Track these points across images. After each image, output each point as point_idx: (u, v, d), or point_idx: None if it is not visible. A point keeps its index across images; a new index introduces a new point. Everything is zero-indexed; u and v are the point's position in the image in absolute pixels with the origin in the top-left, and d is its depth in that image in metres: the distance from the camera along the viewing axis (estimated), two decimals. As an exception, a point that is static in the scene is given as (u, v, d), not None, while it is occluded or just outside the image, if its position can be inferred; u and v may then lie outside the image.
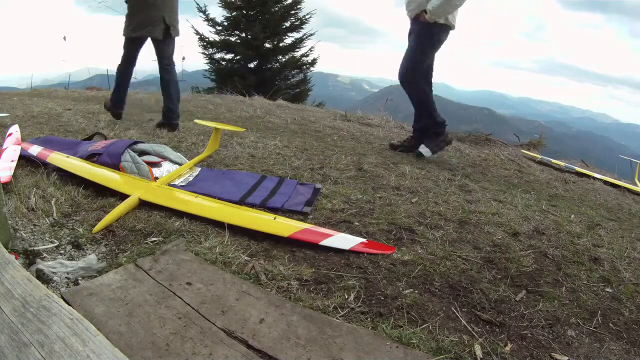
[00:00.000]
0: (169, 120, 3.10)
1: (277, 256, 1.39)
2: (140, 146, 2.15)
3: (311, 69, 11.22)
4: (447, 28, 2.87)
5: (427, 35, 2.87)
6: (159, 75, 3.16)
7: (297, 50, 11.02)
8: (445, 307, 1.21)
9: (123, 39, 3.03)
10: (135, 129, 3.04)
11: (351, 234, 1.58)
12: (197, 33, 10.76)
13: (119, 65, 3.15)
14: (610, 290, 1.41)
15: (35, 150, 2.10)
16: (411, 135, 3.26)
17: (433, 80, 3.09)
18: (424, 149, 3.04)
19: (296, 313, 1.09)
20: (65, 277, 1.16)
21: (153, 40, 3.01)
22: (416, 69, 2.95)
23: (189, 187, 1.93)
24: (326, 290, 1.23)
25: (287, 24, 10.78)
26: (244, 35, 10.54)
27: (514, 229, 1.81)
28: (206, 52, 10.89)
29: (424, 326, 1.10)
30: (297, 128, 3.76)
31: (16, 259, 1.11)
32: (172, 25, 2.99)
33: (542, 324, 1.17)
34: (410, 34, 2.97)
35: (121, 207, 1.56)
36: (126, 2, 2.96)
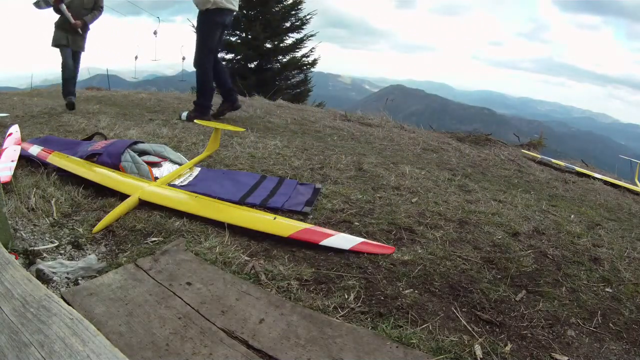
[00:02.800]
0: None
1: (277, 256, 1.39)
2: (140, 146, 2.16)
3: (312, 69, 11.21)
4: (221, 11, 3.37)
5: (203, 22, 3.43)
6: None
7: (297, 50, 11.02)
8: (445, 307, 1.21)
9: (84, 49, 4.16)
10: (135, 129, 3.05)
11: (351, 234, 1.58)
12: (198, 33, 10.76)
13: (70, 62, 4.07)
14: (610, 290, 1.41)
15: (35, 150, 2.10)
16: (222, 100, 3.88)
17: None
18: (184, 114, 3.66)
19: (296, 313, 1.09)
20: (65, 277, 1.16)
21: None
22: (202, 53, 3.52)
23: (189, 187, 1.93)
24: (326, 290, 1.23)
25: (288, 24, 10.78)
26: (244, 35, 10.54)
27: (514, 229, 1.81)
28: (206, 52, 10.88)
29: (424, 326, 1.10)
30: (297, 128, 3.76)
31: (16, 259, 1.11)
32: None
33: (542, 324, 1.17)
34: None
35: (121, 207, 1.56)
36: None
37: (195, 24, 3.58)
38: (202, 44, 3.51)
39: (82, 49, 4.11)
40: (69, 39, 3.97)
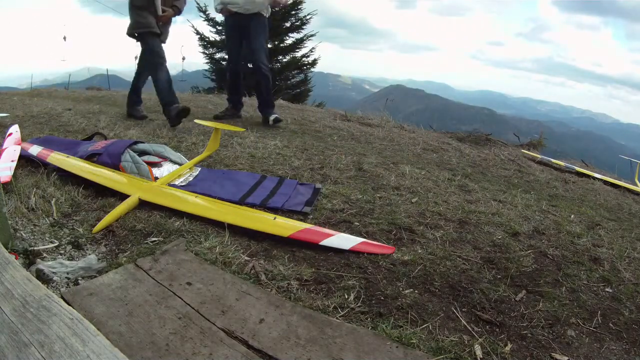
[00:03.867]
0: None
1: (277, 256, 1.39)
2: (140, 146, 2.16)
3: (312, 69, 11.21)
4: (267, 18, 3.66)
5: (265, 26, 3.68)
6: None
7: (297, 50, 11.01)
8: (445, 307, 1.21)
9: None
10: (135, 129, 3.05)
11: (351, 234, 1.58)
12: (198, 33, 10.76)
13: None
14: (610, 290, 1.41)
15: (35, 150, 2.10)
16: (230, 105, 3.98)
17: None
18: (275, 117, 3.71)
19: (296, 313, 1.09)
20: (65, 277, 1.16)
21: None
22: (266, 54, 3.72)
23: (189, 187, 1.93)
24: (326, 290, 1.23)
25: (288, 24, 10.77)
26: (244, 35, 10.52)
27: (514, 229, 1.81)
28: (206, 52, 10.88)
29: (424, 326, 1.10)
30: (297, 128, 3.76)
31: (16, 259, 1.11)
32: None
33: (542, 324, 1.17)
34: (243, 28, 3.57)
35: (121, 207, 1.56)
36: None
37: (257, 25, 3.59)
38: (264, 45, 3.75)
39: (165, 40, 3.20)
40: (160, 27, 3.07)
